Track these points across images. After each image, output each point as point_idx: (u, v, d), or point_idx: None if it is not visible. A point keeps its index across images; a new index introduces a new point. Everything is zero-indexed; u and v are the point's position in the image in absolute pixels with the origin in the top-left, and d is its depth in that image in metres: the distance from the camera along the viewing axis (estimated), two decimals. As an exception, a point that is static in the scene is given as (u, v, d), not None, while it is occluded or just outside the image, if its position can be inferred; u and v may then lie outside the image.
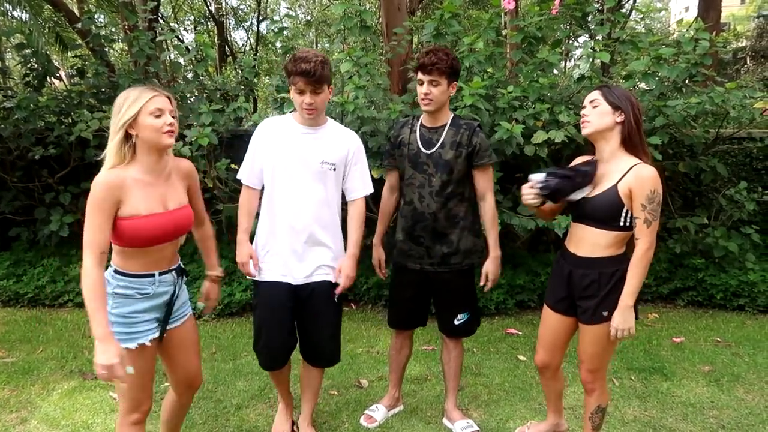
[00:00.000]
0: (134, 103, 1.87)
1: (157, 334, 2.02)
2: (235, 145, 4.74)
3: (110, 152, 1.90)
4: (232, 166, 4.24)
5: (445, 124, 2.59)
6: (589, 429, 2.41)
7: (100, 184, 1.83)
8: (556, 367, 2.50)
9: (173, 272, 2.07)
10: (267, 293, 2.50)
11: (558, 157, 4.17)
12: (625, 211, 2.11)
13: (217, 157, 4.49)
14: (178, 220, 2.01)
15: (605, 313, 2.17)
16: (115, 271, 1.94)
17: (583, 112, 2.20)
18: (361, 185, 2.60)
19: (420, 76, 2.49)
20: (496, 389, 3.26)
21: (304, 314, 2.54)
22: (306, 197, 2.45)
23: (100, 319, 1.77)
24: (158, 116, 1.89)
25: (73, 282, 4.69)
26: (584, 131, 2.19)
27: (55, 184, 4.93)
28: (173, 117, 1.95)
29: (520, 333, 4.11)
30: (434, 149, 2.57)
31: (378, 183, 4.37)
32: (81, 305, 4.64)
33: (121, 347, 1.83)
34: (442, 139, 2.57)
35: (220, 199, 4.53)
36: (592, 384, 2.32)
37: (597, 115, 2.15)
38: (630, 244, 2.16)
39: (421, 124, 2.66)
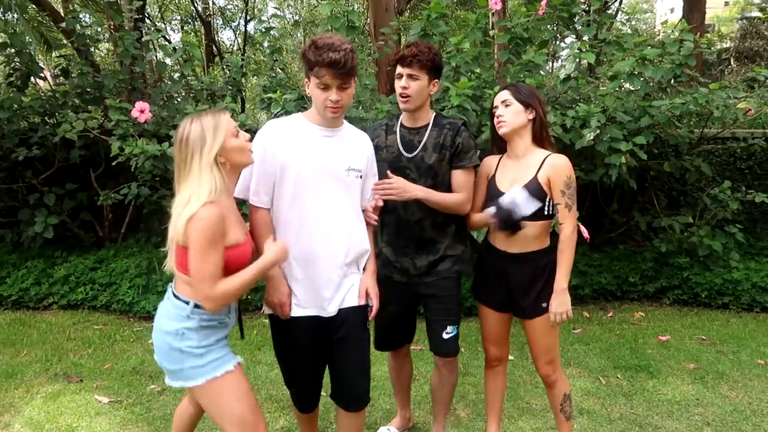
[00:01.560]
0: (218, 131, 1.78)
1: (239, 357, 1.95)
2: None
3: (204, 186, 1.75)
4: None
5: (427, 125, 2.33)
6: (563, 421, 2.43)
7: (207, 219, 1.71)
8: (505, 360, 2.57)
9: (237, 301, 2.03)
10: (295, 330, 2.12)
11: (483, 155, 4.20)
12: (547, 200, 2.21)
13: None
14: (252, 245, 1.96)
15: (544, 305, 2.26)
16: (197, 306, 1.82)
17: (497, 112, 2.26)
18: (370, 192, 2.27)
19: (399, 69, 2.25)
20: (484, 389, 3.25)
21: (336, 347, 2.15)
22: (336, 212, 2.06)
23: (248, 274, 1.78)
24: (237, 135, 1.83)
25: (58, 284, 4.64)
26: (501, 131, 2.26)
27: (40, 185, 4.88)
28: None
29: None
30: (416, 152, 2.31)
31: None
32: (65, 307, 4.60)
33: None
34: (424, 141, 2.31)
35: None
36: (552, 375, 2.37)
37: (512, 114, 2.23)
38: (553, 236, 2.28)
39: (401, 125, 2.40)
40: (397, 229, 2.40)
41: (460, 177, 2.32)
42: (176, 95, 5.13)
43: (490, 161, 2.39)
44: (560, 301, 2.21)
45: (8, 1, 4.83)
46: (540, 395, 3.16)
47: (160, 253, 4.76)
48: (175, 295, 1.86)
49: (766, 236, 5.18)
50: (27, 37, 4.75)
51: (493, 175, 2.35)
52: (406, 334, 2.67)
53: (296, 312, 2.08)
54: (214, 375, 1.82)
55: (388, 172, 2.25)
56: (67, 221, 5.01)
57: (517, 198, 2.15)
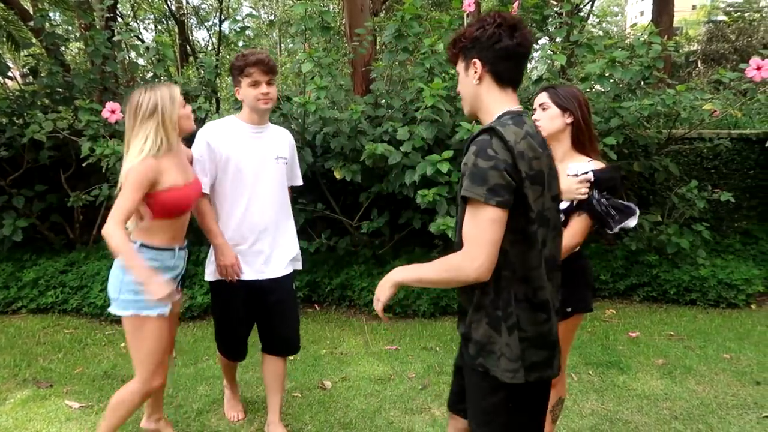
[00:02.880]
0: (174, 101, 2.17)
1: (168, 308, 2.21)
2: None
3: (148, 144, 2.13)
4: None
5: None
6: (549, 422, 2.46)
7: (141, 168, 2.08)
8: None
9: (185, 248, 2.40)
10: (230, 293, 2.57)
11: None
12: None
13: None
14: (198, 188, 2.36)
15: (569, 310, 2.20)
16: (142, 245, 2.19)
17: (534, 116, 2.21)
18: (298, 175, 2.79)
19: None
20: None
21: (271, 308, 2.62)
22: (268, 195, 2.53)
23: (137, 262, 2.02)
24: (184, 105, 2.27)
25: (27, 287, 4.55)
26: None
27: (8, 187, 4.77)
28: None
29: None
30: None
31: (343, 183, 4.37)
32: (35, 311, 4.51)
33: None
34: None
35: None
36: (556, 379, 2.36)
37: (548, 119, 2.18)
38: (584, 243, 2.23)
39: None
40: None
41: (465, 215, 1.49)
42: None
43: None
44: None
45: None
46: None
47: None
48: (130, 237, 2.20)
49: (731, 234, 5.33)
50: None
51: None
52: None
53: (243, 276, 2.53)
54: (138, 312, 2.14)
55: None
56: (36, 223, 4.91)
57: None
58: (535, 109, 2.24)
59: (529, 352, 1.50)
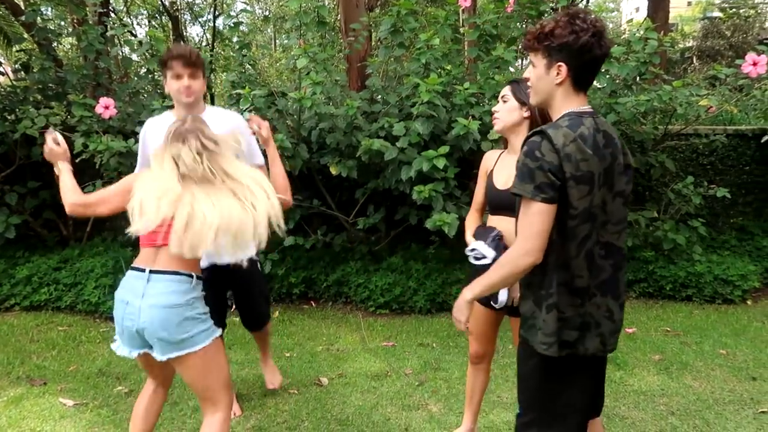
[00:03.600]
0: None
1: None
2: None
3: None
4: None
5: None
6: None
7: None
8: (489, 358, 2.54)
9: None
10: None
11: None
12: None
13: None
14: None
15: None
16: (196, 277, 2.02)
17: (494, 108, 2.26)
18: (256, 155, 2.66)
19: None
20: (456, 383, 3.29)
21: (237, 287, 2.77)
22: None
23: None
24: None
25: (20, 285, 4.51)
26: (495, 128, 2.26)
27: (0, 183, 4.72)
28: None
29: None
30: None
31: (339, 179, 4.35)
32: (28, 309, 4.48)
33: None
34: None
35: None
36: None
37: (506, 111, 2.21)
38: None
39: None
40: None
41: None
42: (142, 91, 5.03)
43: (491, 156, 2.36)
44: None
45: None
46: (510, 389, 3.19)
47: (127, 252, 4.67)
48: (174, 272, 1.95)
49: (727, 230, 5.34)
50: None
51: (491, 171, 2.31)
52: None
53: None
54: (214, 336, 2.01)
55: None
56: (29, 220, 4.87)
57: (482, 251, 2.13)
58: (497, 102, 2.27)
59: (562, 331, 1.65)
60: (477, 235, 2.25)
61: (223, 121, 2.49)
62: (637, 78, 4.34)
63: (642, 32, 4.29)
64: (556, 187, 1.56)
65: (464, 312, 1.80)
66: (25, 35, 5.90)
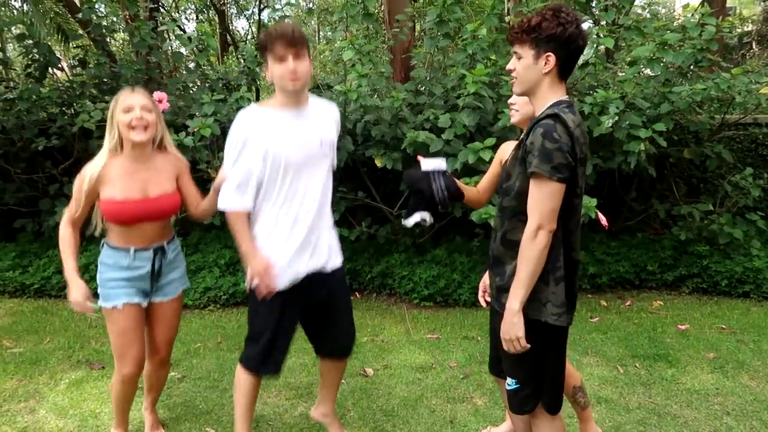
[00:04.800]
0: (117, 103, 2.18)
1: (134, 300, 2.29)
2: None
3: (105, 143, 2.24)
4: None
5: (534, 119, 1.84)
6: (580, 410, 2.44)
7: (84, 171, 2.19)
8: None
9: (152, 250, 2.31)
10: (284, 298, 2.23)
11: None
12: None
13: (220, 147, 4.47)
14: (157, 206, 2.27)
15: None
16: (104, 243, 2.30)
17: (510, 100, 2.25)
18: (334, 157, 2.38)
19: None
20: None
21: (327, 304, 2.37)
22: (314, 189, 2.21)
23: (67, 264, 2.22)
24: (128, 111, 2.16)
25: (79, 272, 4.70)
26: (512, 120, 2.26)
27: (59, 175, 4.94)
28: (147, 111, 2.18)
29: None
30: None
31: (383, 171, 4.36)
32: (87, 296, 4.66)
33: (87, 289, 2.21)
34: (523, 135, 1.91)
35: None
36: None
37: (522, 103, 2.17)
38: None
39: None
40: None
41: (530, 188, 1.75)
42: (191, 85, 5.15)
43: (507, 146, 2.35)
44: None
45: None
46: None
47: (185, 240, 4.82)
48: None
49: (788, 224, 5.10)
50: (43, 29, 4.79)
51: (506, 161, 2.21)
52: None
53: (291, 277, 2.20)
54: (104, 305, 2.27)
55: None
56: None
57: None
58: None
59: (567, 300, 1.81)
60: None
61: (326, 112, 2.30)
62: (693, 66, 4.18)
63: (698, 17, 4.13)
64: (571, 168, 1.69)
65: (521, 326, 1.75)
66: (80, 32, 6.11)
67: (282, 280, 2.18)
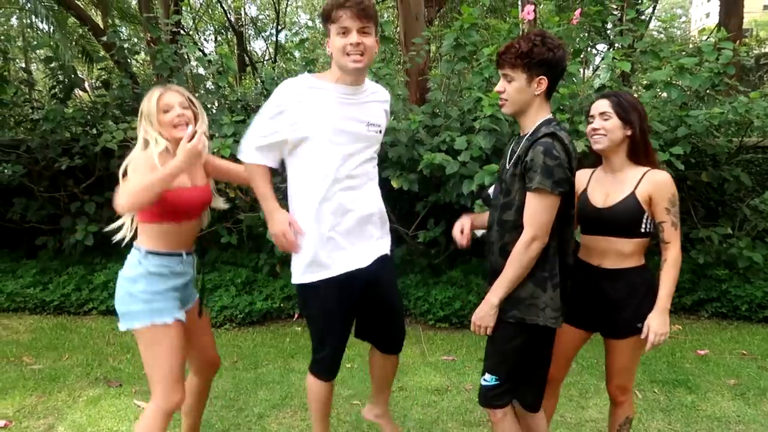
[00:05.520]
0: (151, 102, 2.08)
1: (180, 314, 2.11)
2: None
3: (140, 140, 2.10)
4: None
5: (527, 135, 1.97)
6: None
7: (138, 158, 2.02)
8: (560, 381, 2.46)
9: (193, 254, 2.23)
10: (335, 290, 2.14)
11: (579, 166, 4.16)
12: (645, 217, 2.11)
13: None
14: (206, 194, 2.22)
15: (639, 325, 2.13)
16: (148, 252, 2.05)
17: (593, 125, 2.13)
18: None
19: (500, 71, 1.99)
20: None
21: (377, 295, 2.24)
22: (364, 170, 2.12)
23: (161, 172, 1.92)
24: (167, 111, 2.07)
25: (98, 290, 4.77)
26: (595, 147, 2.14)
27: (81, 193, 5.03)
28: (183, 108, 2.08)
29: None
30: (508, 166, 2.02)
31: (399, 192, 4.39)
32: (105, 313, 4.72)
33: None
34: (517, 153, 1.98)
35: (241, 208, 4.58)
36: (622, 397, 2.29)
37: (609, 129, 2.10)
38: (646, 256, 2.18)
39: (518, 136, 2.10)
40: (486, 254, 2.16)
41: (527, 202, 1.89)
42: (211, 106, 5.24)
43: (581, 175, 2.26)
44: (662, 321, 2.06)
45: (43, 12, 5.00)
46: (574, 409, 3.12)
47: (202, 259, 4.86)
48: (134, 245, 2.09)
49: (809, 248, 5.03)
50: (63, 47, 4.91)
51: (585, 189, 2.22)
52: None
53: (335, 271, 2.11)
54: (153, 321, 2.00)
55: None
56: (103, 227, 5.14)
57: None
58: (593, 116, 2.14)
59: (562, 304, 1.97)
60: None
61: (381, 95, 2.20)
62: (709, 89, 4.18)
63: (715, 40, 4.13)
64: (570, 182, 1.88)
65: (492, 318, 1.97)
66: (104, 54, 6.26)
67: (318, 269, 2.11)
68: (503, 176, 2.02)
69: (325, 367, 2.30)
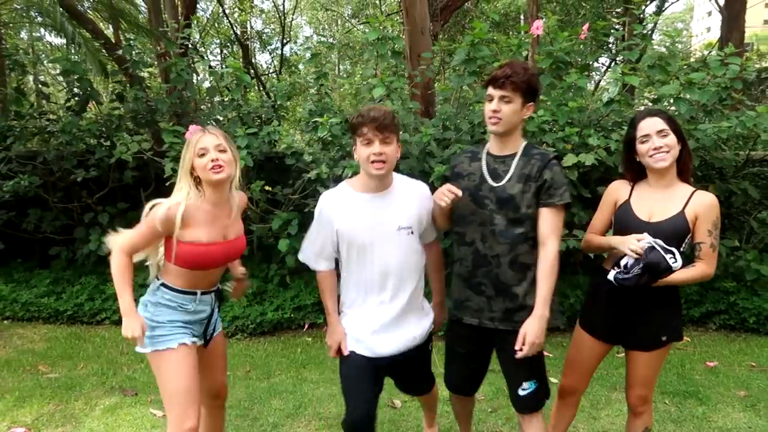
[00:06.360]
0: (188, 149, 2.11)
1: (192, 340, 2.16)
2: (266, 167, 4.87)
3: (181, 191, 2.12)
4: (266, 188, 4.35)
5: (515, 153, 2.17)
6: None
7: (160, 209, 2.04)
8: (581, 393, 2.49)
9: (213, 294, 2.26)
10: (356, 365, 2.28)
11: (586, 179, 4.21)
12: (689, 236, 2.13)
13: (251, 178, 4.61)
14: (234, 249, 2.22)
15: (664, 338, 2.18)
16: (163, 285, 2.15)
17: (655, 144, 2.10)
18: (433, 229, 2.40)
19: (490, 90, 2.12)
20: (551, 417, 3.25)
21: (402, 376, 2.51)
22: (393, 271, 2.22)
23: (125, 297, 2.03)
24: (203, 155, 2.08)
25: (110, 300, 4.81)
26: (661, 164, 2.11)
27: (94, 204, 5.09)
28: (220, 151, 2.09)
29: (551, 355, 4.10)
30: (502, 182, 2.16)
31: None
32: (117, 323, 4.76)
33: (144, 321, 2.07)
34: (511, 170, 2.15)
35: (252, 219, 4.64)
36: (642, 407, 2.32)
37: (671, 146, 2.10)
38: None
39: (488, 152, 2.25)
40: (473, 265, 2.23)
41: (548, 216, 2.11)
42: (223, 119, 5.32)
43: (621, 186, 2.29)
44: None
45: (71, 32, 5.11)
46: (586, 420, 3.14)
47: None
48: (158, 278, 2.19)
49: (816, 261, 5.05)
50: (88, 65, 5.00)
51: (627, 201, 2.23)
52: (476, 381, 2.49)
53: (361, 350, 2.27)
54: (156, 348, 2.08)
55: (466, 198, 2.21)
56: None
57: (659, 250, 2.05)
58: (648, 136, 2.12)
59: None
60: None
61: (411, 192, 2.29)
62: (717, 103, 4.24)
63: (721, 55, 4.20)
64: None
65: (543, 335, 2.09)
66: (116, 67, 6.35)
67: (356, 350, 2.27)
68: (497, 194, 2.14)
69: None
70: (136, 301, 2.10)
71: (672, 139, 2.11)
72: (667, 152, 2.10)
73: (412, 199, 2.27)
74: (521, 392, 2.24)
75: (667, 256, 2.03)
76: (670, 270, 2.03)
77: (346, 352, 2.27)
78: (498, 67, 2.15)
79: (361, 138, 2.11)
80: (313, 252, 2.29)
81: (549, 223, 2.11)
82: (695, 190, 2.14)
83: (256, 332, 4.54)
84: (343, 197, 2.23)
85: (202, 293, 2.19)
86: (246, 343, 4.41)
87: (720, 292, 4.62)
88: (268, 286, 4.84)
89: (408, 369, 2.44)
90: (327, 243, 2.25)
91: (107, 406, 3.29)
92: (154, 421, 3.11)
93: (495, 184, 2.17)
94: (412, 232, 2.24)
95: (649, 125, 2.13)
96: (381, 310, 2.25)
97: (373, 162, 2.10)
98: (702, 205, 2.10)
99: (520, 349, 2.08)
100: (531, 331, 2.07)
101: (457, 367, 2.45)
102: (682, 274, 2.09)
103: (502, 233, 2.14)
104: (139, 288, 2.18)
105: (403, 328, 2.29)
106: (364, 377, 2.25)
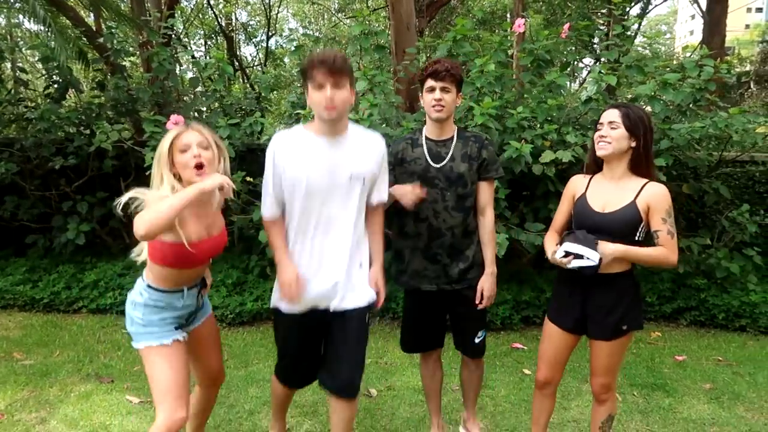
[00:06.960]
0: (164, 144, 2.05)
1: (181, 336, 2.18)
2: (247, 158, 4.88)
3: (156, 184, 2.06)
4: (247, 179, 4.36)
5: (452, 137, 2.52)
6: None
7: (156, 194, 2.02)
8: (556, 384, 2.55)
9: (198, 286, 2.25)
10: (297, 324, 2.31)
11: (564, 176, 4.28)
12: (641, 225, 2.21)
13: (232, 169, 4.60)
14: (218, 244, 2.21)
15: (625, 327, 2.25)
16: (149, 286, 2.12)
17: (601, 132, 2.22)
18: (384, 189, 2.38)
19: (431, 82, 2.39)
20: (502, 401, 3.33)
21: (336, 340, 2.30)
22: (339, 221, 2.22)
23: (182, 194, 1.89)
24: (184, 151, 2.03)
25: (87, 289, 4.79)
26: (599, 152, 2.23)
27: (72, 193, 5.05)
28: (203, 148, 2.04)
29: (525, 348, 4.18)
30: (444, 162, 2.48)
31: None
32: (95, 311, 4.76)
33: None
34: (451, 151, 2.49)
35: (233, 210, 4.64)
36: (605, 395, 2.39)
37: (615, 138, 2.19)
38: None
39: (426, 138, 2.54)
40: (429, 238, 2.54)
41: (486, 189, 2.57)
42: (205, 109, 5.31)
43: (579, 181, 2.39)
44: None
45: (41, 14, 5.01)
46: (557, 410, 3.20)
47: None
48: (143, 272, 2.18)
49: (784, 260, 5.19)
50: (65, 54, 4.95)
51: (584, 194, 2.32)
52: (436, 339, 2.78)
53: (302, 306, 2.26)
54: (149, 343, 2.09)
55: (418, 184, 2.47)
56: (96, 228, 5.17)
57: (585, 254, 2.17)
58: (602, 124, 2.23)
59: None
60: (571, 240, 2.25)
61: (367, 144, 2.26)
62: (691, 104, 4.34)
63: (697, 57, 4.29)
64: None
65: (496, 287, 2.65)
66: (97, 55, 6.29)
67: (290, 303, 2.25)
68: (445, 174, 2.48)
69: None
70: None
71: (620, 132, 2.19)
72: (609, 143, 2.20)
73: (367, 150, 2.24)
74: (476, 340, 2.68)
75: (583, 260, 2.18)
76: (595, 267, 2.16)
77: (295, 297, 2.22)
78: (432, 63, 2.44)
79: (311, 81, 2.06)
80: (265, 198, 2.23)
81: (487, 194, 2.56)
82: (647, 182, 2.22)
83: (235, 322, 4.56)
84: (298, 139, 2.18)
85: (189, 288, 2.18)
86: (225, 332, 4.42)
87: (691, 289, 4.74)
88: (248, 276, 4.86)
89: (346, 332, 2.31)
90: (274, 187, 2.20)
91: (82, 393, 3.30)
92: (129, 408, 3.13)
93: (439, 165, 2.51)
94: (363, 183, 2.21)
95: (606, 115, 2.24)
96: (315, 258, 2.23)
97: (324, 106, 2.05)
98: (653, 195, 2.18)
99: (480, 302, 2.57)
100: (487, 287, 2.57)
101: (416, 331, 2.77)
102: (644, 250, 2.20)
103: (454, 207, 2.50)
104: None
105: (349, 286, 2.29)
106: (300, 336, 2.36)
